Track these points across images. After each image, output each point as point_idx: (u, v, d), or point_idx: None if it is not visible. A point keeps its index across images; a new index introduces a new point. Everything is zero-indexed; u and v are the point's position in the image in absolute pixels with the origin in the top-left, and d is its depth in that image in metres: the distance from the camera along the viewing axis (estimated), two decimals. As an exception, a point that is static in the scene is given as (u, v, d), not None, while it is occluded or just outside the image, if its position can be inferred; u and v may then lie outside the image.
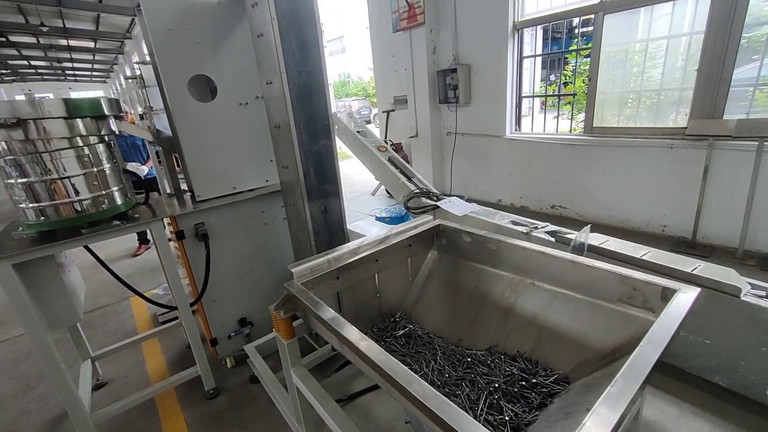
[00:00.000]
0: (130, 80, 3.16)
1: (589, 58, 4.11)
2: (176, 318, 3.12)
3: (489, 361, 1.51)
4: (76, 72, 27.48)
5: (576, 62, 4.55)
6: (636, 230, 3.94)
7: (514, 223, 2.74)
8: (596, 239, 2.19)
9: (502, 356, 1.53)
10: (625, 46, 3.88)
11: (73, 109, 1.65)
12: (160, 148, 2.42)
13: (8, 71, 23.69)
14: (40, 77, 26.53)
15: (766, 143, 2.94)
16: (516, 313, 1.64)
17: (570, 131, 4.75)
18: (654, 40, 3.67)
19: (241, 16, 2.20)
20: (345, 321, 1.24)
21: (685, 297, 1.16)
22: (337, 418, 1.35)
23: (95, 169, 1.80)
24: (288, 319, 1.52)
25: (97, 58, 24.55)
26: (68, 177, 1.73)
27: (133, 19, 17.85)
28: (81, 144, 1.74)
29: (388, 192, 6.36)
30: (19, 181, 1.67)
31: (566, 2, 4.20)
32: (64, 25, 17.08)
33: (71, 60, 23.73)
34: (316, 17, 1.87)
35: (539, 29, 4.82)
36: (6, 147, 1.61)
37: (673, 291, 1.20)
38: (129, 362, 2.72)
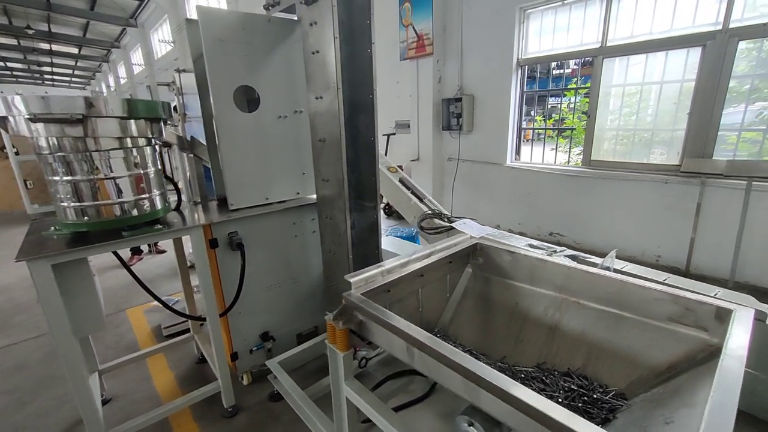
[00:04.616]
0: (167, 86, 3.08)
1: (582, 96, 4.42)
2: (184, 332, 2.99)
3: (543, 377, 1.54)
4: (55, 76, 26.71)
5: (575, 99, 4.86)
6: (631, 259, 4.10)
7: (531, 246, 2.84)
8: (617, 264, 2.30)
9: (555, 373, 1.56)
10: (621, 88, 4.20)
11: (131, 110, 1.63)
12: (192, 155, 2.39)
13: (-19, 71, 22.75)
14: (15, 80, 25.57)
15: (754, 183, 3.22)
16: (562, 331, 1.69)
17: (567, 163, 5.00)
18: (648, 84, 4.00)
19: (288, 34, 2.27)
20: (422, 330, 1.25)
21: (743, 315, 1.25)
22: (401, 428, 1.33)
23: (141, 172, 1.77)
24: (346, 329, 1.51)
25: (79, 64, 24.03)
26: (114, 178, 1.69)
27: (124, 29, 17.77)
28: (131, 145, 1.72)
29: (385, 212, 6.42)
30: (65, 178, 1.62)
31: (567, 44, 4.53)
32: (49, 29, 16.76)
33: (51, 64, 23.12)
34: (372, 36, 1.96)
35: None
36: (56, 143, 1.57)
37: (729, 311, 1.28)
38: (134, 377, 2.56)
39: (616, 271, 2.27)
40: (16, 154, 6.53)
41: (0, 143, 6.83)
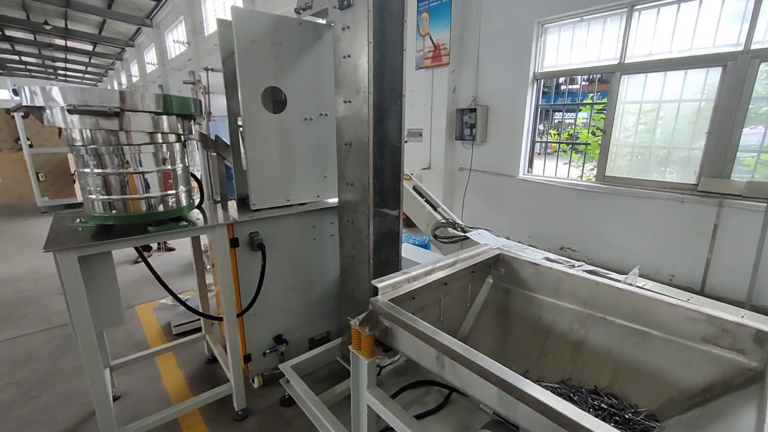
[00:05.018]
0: (188, 85, 3.10)
1: (596, 112, 4.42)
2: (195, 331, 2.97)
3: (570, 394, 1.50)
4: (68, 72, 27.05)
5: (590, 115, 4.87)
6: (645, 277, 4.09)
7: (548, 259, 2.82)
8: (638, 281, 2.27)
9: (582, 390, 1.53)
10: (638, 104, 4.20)
11: (166, 106, 1.64)
12: (215, 154, 2.39)
13: (-4, 63, 23.05)
14: (28, 74, 25.91)
15: (773, 205, 3.19)
16: (588, 347, 1.66)
17: (580, 178, 4.99)
18: (666, 102, 4.00)
19: (317, 38, 2.28)
20: (453, 339, 1.23)
21: (784, 339, 1.22)
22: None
23: (170, 168, 1.77)
24: (372, 336, 1.48)
25: (93, 61, 24.34)
26: (143, 172, 1.69)
27: (139, 29, 18.02)
28: (161, 141, 1.72)
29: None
30: (96, 170, 1.61)
31: (584, 59, 4.55)
32: (66, 25, 17.02)
33: (65, 60, 23.43)
34: (404, 43, 1.96)
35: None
36: (90, 135, 1.57)
37: (769, 333, 1.26)
38: (143, 375, 2.53)
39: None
40: (30, 146, 6.57)
41: (14, 135, 6.88)
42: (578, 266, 2.69)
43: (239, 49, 2.01)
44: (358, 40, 1.86)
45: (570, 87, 5.16)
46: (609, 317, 1.67)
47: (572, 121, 5.50)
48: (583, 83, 5.49)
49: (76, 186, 7.18)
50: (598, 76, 4.68)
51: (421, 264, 1.80)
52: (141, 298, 3.69)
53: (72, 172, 7.08)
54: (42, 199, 6.89)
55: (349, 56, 1.95)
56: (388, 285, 1.60)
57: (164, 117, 1.68)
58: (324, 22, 2.38)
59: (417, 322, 1.35)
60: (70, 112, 1.45)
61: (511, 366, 1.81)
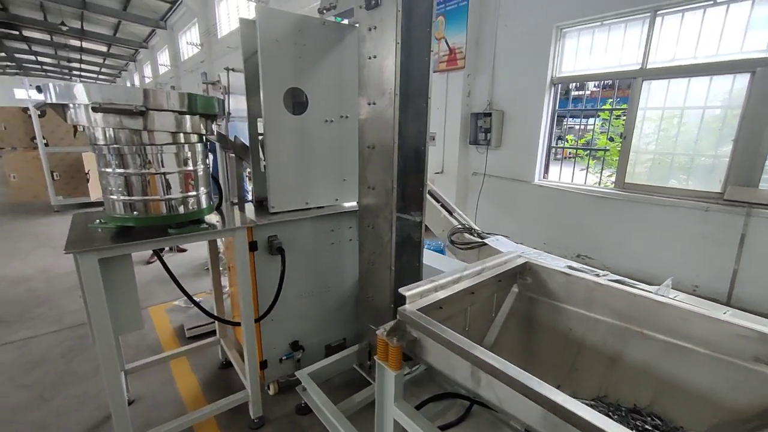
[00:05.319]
0: (209, 85, 3.07)
1: (617, 118, 4.33)
2: (208, 334, 2.93)
3: (609, 413, 1.42)
4: (83, 72, 27.48)
5: (609, 120, 4.78)
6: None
7: (571, 268, 2.73)
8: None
9: (622, 409, 1.45)
10: (660, 111, 4.10)
11: (190, 105, 1.60)
12: (233, 155, 2.35)
13: (13, 64, 23.49)
14: (44, 73, 26.36)
15: (805, 216, 3.07)
16: (625, 363, 1.58)
17: (598, 184, 4.89)
18: (690, 109, 3.89)
19: (340, 39, 2.24)
20: (491, 353, 1.16)
21: None
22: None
23: (191, 169, 1.73)
24: (400, 347, 1.42)
25: (107, 62, 24.71)
26: (165, 173, 1.65)
27: (153, 30, 18.25)
28: (183, 141, 1.68)
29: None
30: (117, 171, 1.58)
31: (604, 64, 4.46)
32: (82, 27, 17.30)
33: (80, 61, 23.81)
34: (431, 44, 1.91)
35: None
36: (113, 134, 1.53)
37: (831, 354, 1.17)
38: (157, 379, 2.49)
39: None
40: (46, 145, 6.63)
41: (31, 134, 6.95)
42: (603, 275, 2.61)
43: (263, 49, 1.97)
44: (385, 41, 1.82)
45: (578, 93, 5.07)
46: (647, 331, 1.58)
47: (582, 126, 5.42)
48: (593, 89, 5.40)
49: (90, 185, 7.22)
50: (609, 82, 4.60)
51: (447, 272, 1.74)
52: (153, 300, 3.67)
53: (86, 171, 7.13)
54: (56, 197, 6.94)
55: (374, 57, 1.90)
56: (415, 293, 1.53)
57: (188, 116, 1.64)
58: (346, 22, 2.34)
59: (449, 333, 1.29)
60: (95, 110, 1.41)
61: (542, 380, 1.74)
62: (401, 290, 1.52)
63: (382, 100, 1.90)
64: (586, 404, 1.48)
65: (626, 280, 2.49)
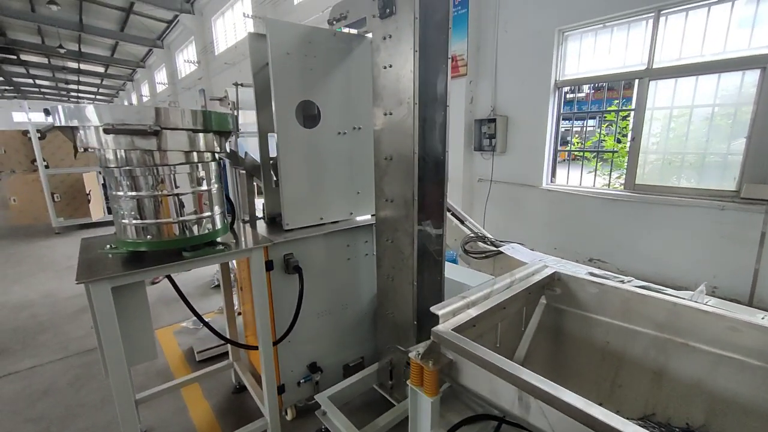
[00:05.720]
0: (217, 101, 3.02)
1: (623, 119, 4.29)
2: (219, 357, 2.82)
3: (662, 433, 1.33)
4: (80, 94, 27.63)
5: (616, 122, 4.74)
6: (683, 289, 3.88)
7: (592, 274, 2.65)
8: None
9: (676, 430, 1.36)
10: (668, 110, 4.06)
11: (205, 122, 1.53)
12: (244, 172, 2.29)
13: (11, 88, 23.62)
14: (42, 96, 26.50)
15: (828, 212, 3.01)
16: (671, 377, 1.49)
17: (607, 186, 4.83)
18: (699, 107, 3.85)
19: (351, 49, 2.19)
20: (541, 377, 1.08)
21: None
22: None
23: (205, 188, 1.66)
24: (436, 371, 1.33)
25: (105, 82, 24.85)
26: (178, 194, 1.57)
27: (150, 50, 18.38)
28: (197, 160, 1.61)
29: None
30: (129, 193, 1.50)
31: (607, 66, 4.44)
32: (80, 49, 17.42)
33: (78, 82, 23.95)
34: (447, 51, 1.86)
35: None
36: (124, 156, 1.47)
37: None
38: (169, 407, 2.38)
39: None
40: (46, 167, 6.57)
41: (31, 156, 6.89)
42: (627, 281, 2.52)
43: (274, 62, 1.92)
44: (402, 49, 1.76)
45: (572, 96, 5.03)
46: (692, 343, 1.50)
47: (586, 128, 5.38)
48: (590, 91, 5.36)
49: (91, 205, 7.15)
50: (607, 84, 4.56)
51: (476, 286, 1.66)
52: (159, 322, 3.57)
53: (87, 192, 7.06)
54: (57, 219, 6.86)
55: (390, 66, 1.84)
56: (448, 312, 1.45)
57: (201, 134, 1.57)
58: (355, 32, 2.30)
59: (491, 355, 1.20)
60: (107, 131, 1.34)
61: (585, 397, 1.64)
62: (433, 309, 1.44)
63: (400, 109, 1.84)
64: (637, 423, 1.38)
65: (652, 285, 2.39)
